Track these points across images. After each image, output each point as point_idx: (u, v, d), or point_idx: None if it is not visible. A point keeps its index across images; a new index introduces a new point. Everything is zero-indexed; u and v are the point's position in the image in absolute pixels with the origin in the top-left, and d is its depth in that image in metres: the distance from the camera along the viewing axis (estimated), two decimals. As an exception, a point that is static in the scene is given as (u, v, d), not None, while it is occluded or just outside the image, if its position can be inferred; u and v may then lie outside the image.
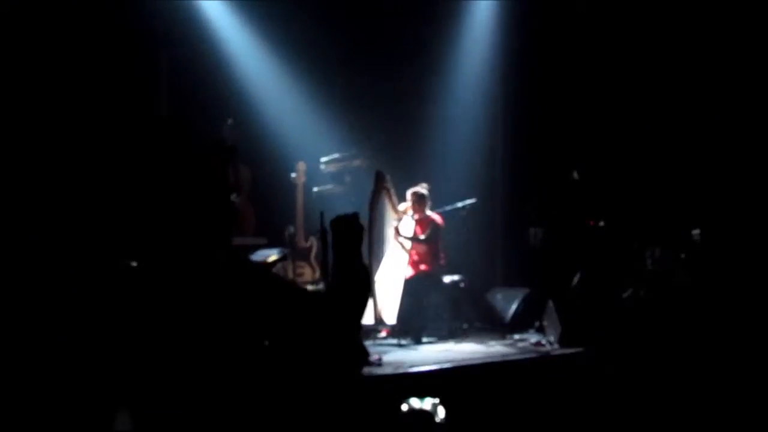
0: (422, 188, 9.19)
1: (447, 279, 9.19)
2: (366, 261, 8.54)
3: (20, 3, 8.77)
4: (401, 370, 7.08)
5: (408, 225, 9.19)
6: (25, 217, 8.26)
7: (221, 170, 9.20)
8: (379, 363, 7.30)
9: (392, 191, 8.96)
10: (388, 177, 8.87)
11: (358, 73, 10.78)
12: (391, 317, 8.54)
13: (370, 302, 8.55)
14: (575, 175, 9.40)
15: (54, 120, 8.91)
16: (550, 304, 8.45)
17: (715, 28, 9.69)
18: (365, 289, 3.38)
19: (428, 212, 9.18)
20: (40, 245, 7.99)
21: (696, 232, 9.00)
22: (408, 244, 9.06)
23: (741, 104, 9.63)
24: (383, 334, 8.84)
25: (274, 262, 8.26)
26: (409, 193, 9.19)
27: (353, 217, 3.55)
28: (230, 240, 3.46)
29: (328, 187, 10.44)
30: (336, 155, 10.38)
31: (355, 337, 6.94)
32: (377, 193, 8.71)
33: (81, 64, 9.15)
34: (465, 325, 9.16)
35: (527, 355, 7.93)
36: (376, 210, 8.70)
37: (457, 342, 8.71)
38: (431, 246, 9.11)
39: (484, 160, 11.09)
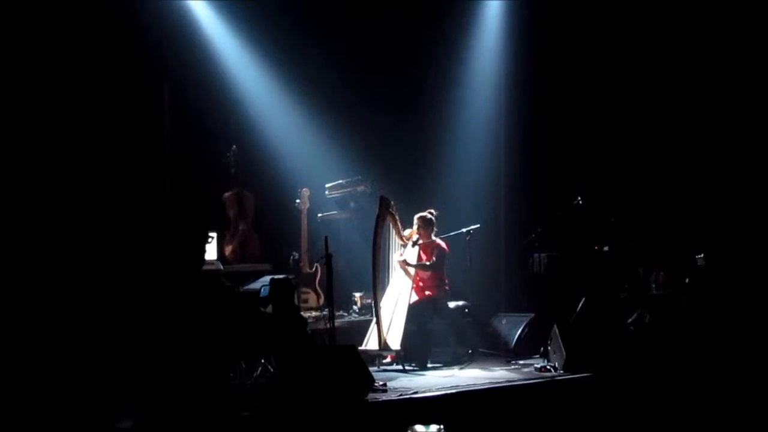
0: (429, 213, 9.20)
1: (452, 304, 9.18)
2: (371, 286, 8.61)
3: (23, 36, 8.85)
4: (406, 396, 7.06)
5: (412, 251, 9.19)
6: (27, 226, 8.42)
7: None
8: (384, 389, 7.28)
9: (397, 217, 8.97)
10: (392, 203, 8.88)
11: (363, 100, 10.82)
12: (395, 343, 8.53)
13: (375, 328, 8.56)
14: (579, 200, 9.40)
15: (57, 149, 8.98)
16: (555, 329, 8.43)
17: (725, 51, 9.74)
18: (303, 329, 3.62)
19: (434, 237, 9.19)
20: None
21: (700, 256, 8.99)
22: (413, 270, 9.06)
23: (748, 132, 9.65)
24: (388, 359, 8.82)
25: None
26: (415, 218, 9.20)
27: (286, 279, 3.90)
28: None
29: (333, 213, 10.47)
30: (340, 181, 10.42)
31: (359, 363, 6.97)
32: (382, 219, 8.72)
33: (85, 93, 9.21)
34: (470, 351, 9.15)
35: (532, 381, 7.90)
36: (380, 235, 8.71)
37: (461, 367, 8.69)
38: (436, 271, 9.11)
39: (488, 185, 11.10)
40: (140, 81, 9.63)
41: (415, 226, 9.20)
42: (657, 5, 10.08)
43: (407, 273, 9.05)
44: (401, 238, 9.12)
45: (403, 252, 9.19)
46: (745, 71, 9.68)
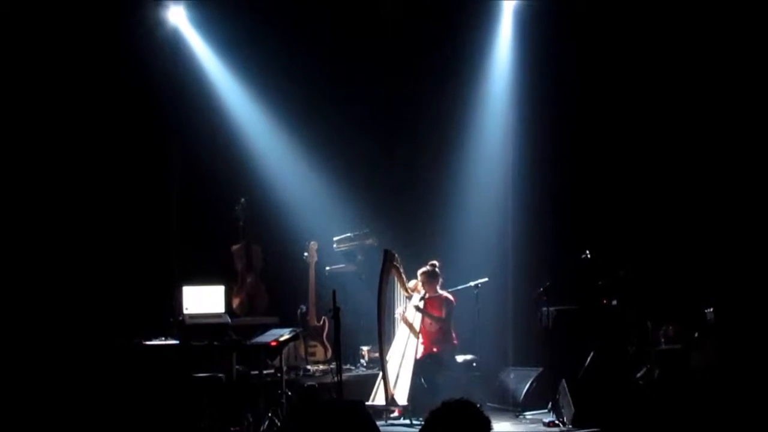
0: (431, 266, 9.19)
1: (460, 358, 9.14)
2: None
3: (39, 87, 8.99)
4: (413, 451, 7.03)
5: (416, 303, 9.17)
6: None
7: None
8: (391, 443, 7.25)
9: (401, 269, 8.96)
10: (396, 256, 8.88)
11: (372, 153, 10.87)
12: (402, 398, 8.49)
13: (381, 382, 8.52)
14: (587, 254, 9.40)
15: (68, 201, 9.07)
16: (563, 383, 8.39)
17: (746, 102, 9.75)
18: None
19: (440, 290, 9.18)
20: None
21: (709, 311, 8.95)
22: (418, 324, 9.02)
23: (760, 183, 9.65)
24: (395, 414, 8.77)
25: (286, 342, 8.25)
26: (419, 274, 9.19)
27: None
28: None
29: (341, 266, 10.47)
30: (348, 234, 10.44)
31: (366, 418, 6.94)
32: (386, 273, 8.72)
33: (95, 146, 9.31)
34: (478, 405, 9.07)
35: (540, 435, 7.86)
36: (385, 289, 8.71)
37: (469, 422, 8.61)
38: (443, 325, 9.09)
39: (496, 239, 11.08)
40: (150, 134, 9.73)
41: (419, 282, 9.19)
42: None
43: (412, 328, 9.02)
44: (406, 290, 9.12)
45: (407, 307, 9.18)
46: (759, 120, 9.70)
